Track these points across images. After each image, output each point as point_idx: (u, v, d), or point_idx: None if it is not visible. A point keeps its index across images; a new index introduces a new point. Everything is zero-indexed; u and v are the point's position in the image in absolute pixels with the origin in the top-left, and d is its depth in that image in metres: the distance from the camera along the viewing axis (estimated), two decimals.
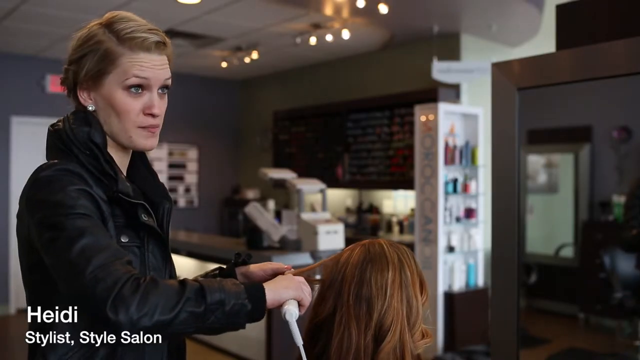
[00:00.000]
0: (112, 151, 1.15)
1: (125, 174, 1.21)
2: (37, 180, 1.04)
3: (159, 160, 7.54)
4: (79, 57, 1.12)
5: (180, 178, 7.86)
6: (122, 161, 1.19)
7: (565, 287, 5.54)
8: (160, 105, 1.14)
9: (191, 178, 7.99)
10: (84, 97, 1.13)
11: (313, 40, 5.72)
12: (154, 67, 1.11)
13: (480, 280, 5.13)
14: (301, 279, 1.10)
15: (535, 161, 6.03)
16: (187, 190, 7.95)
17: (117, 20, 1.12)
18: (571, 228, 5.65)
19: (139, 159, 1.26)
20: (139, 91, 1.11)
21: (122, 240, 1.09)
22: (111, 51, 1.10)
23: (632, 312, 4.25)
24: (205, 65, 7.20)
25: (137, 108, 1.11)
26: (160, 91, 1.15)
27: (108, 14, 1.15)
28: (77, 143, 1.09)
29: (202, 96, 7.92)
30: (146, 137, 1.14)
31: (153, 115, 1.13)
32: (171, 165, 7.76)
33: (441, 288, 4.83)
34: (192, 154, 7.98)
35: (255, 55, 6.38)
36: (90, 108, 1.13)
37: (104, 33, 1.11)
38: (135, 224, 1.11)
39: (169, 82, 1.17)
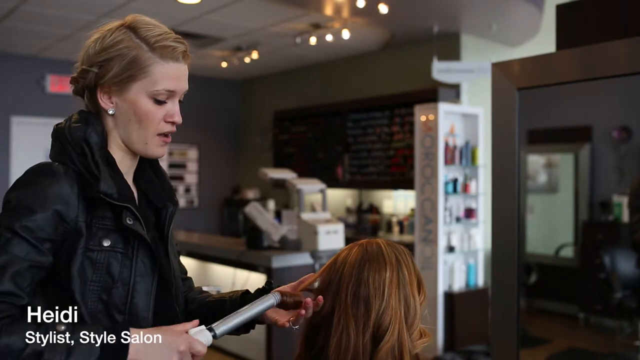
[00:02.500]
0: (119, 154, 1.17)
1: (131, 177, 1.22)
2: (17, 180, 1.09)
3: (159, 160, 7.54)
4: (104, 60, 1.11)
5: (180, 178, 7.86)
6: (128, 164, 1.20)
7: (565, 287, 5.54)
8: (180, 114, 1.17)
9: (191, 178, 7.99)
10: (104, 100, 1.13)
11: (313, 40, 5.72)
12: (181, 77, 1.13)
13: (480, 280, 5.13)
14: (191, 342, 0.98)
15: (535, 161, 6.03)
16: (187, 190, 7.95)
17: (143, 25, 1.12)
18: (571, 228, 5.65)
19: (147, 162, 1.26)
20: (165, 100, 1.13)
21: (104, 244, 1.08)
22: (141, 58, 1.10)
23: (632, 312, 4.25)
24: (205, 65, 7.20)
25: (159, 116, 1.13)
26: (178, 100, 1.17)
27: (129, 16, 1.14)
28: (72, 142, 1.10)
29: (202, 96, 7.91)
30: (160, 145, 1.16)
31: (173, 123, 1.15)
32: (171, 165, 7.76)
33: (441, 288, 4.83)
34: (192, 154, 7.98)
35: (255, 55, 6.38)
36: (110, 112, 1.13)
37: (132, 38, 1.11)
38: (123, 227, 1.10)
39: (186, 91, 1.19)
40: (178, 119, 1.15)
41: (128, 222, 1.09)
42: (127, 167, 1.19)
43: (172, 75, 1.12)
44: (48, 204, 1.03)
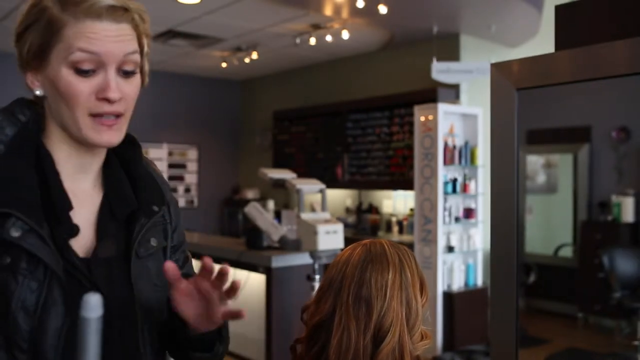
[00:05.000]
0: (63, 148, 0.94)
1: (91, 177, 0.98)
2: None
3: (159, 161, 7.54)
4: (23, 29, 0.91)
5: (180, 178, 7.86)
6: (76, 162, 0.95)
7: (564, 287, 5.54)
8: (121, 88, 0.90)
9: (191, 178, 7.99)
10: (30, 79, 0.93)
11: (313, 41, 5.73)
12: (106, 38, 0.87)
13: (479, 280, 5.13)
14: None
15: (534, 161, 6.03)
16: (187, 190, 7.95)
17: None
18: (570, 228, 5.65)
19: (116, 159, 1.01)
20: (91, 69, 0.87)
21: (3, 261, 0.85)
22: (54, 19, 0.86)
23: (631, 311, 4.25)
24: (205, 65, 7.20)
25: (86, 91, 0.87)
26: (122, 72, 0.90)
27: None
28: None
29: (202, 96, 7.91)
30: (98, 130, 0.90)
31: (109, 101, 0.88)
32: (171, 165, 7.76)
33: (440, 288, 4.83)
34: (192, 154, 7.98)
35: (255, 55, 6.38)
36: (38, 93, 0.92)
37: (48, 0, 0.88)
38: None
39: (134, 58, 0.91)
40: (113, 94, 0.88)
41: (12, 234, 0.84)
42: (75, 165, 0.95)
43: (88, 36, 0.86)
44: None
